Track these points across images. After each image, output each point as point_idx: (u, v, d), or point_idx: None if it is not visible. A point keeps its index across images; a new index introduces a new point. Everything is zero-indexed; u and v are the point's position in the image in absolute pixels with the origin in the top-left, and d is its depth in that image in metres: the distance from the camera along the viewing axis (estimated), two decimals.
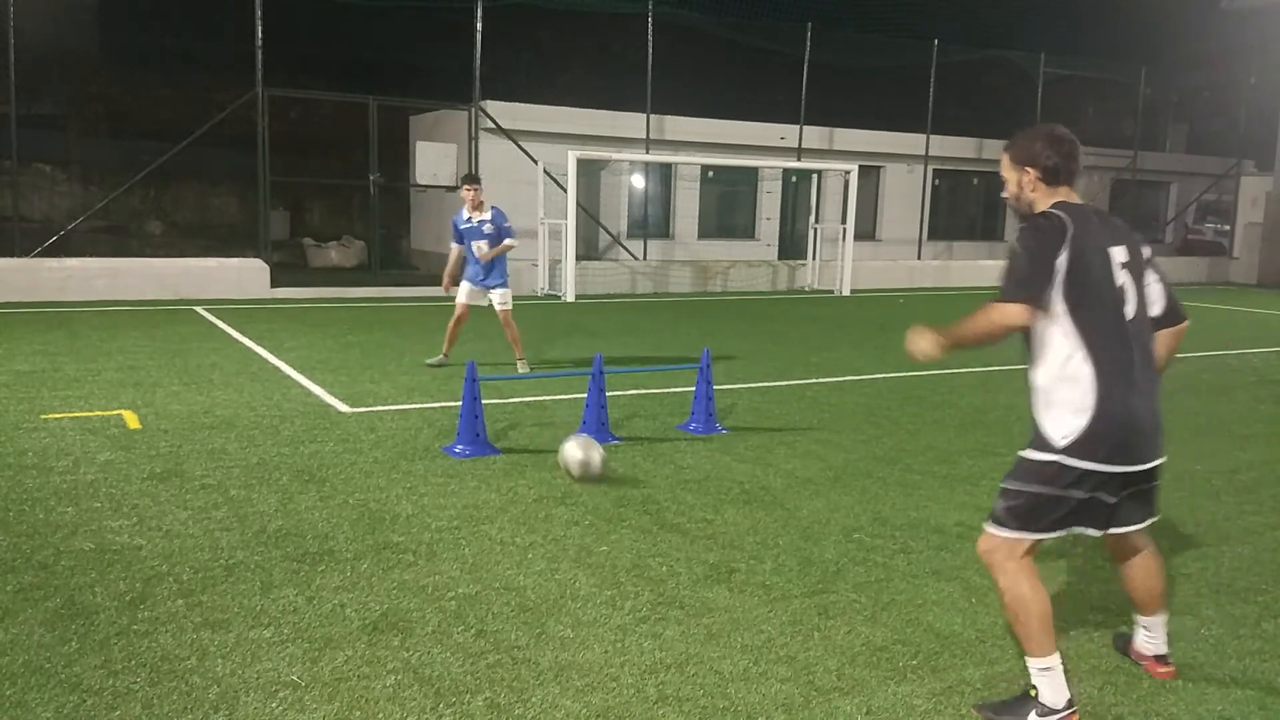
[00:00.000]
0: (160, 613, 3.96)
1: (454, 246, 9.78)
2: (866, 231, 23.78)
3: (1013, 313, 3.22)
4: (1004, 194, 3.52)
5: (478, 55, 17.76)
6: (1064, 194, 3.39)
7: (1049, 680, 3.31)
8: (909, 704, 3.42)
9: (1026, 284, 3.22)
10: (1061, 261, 3.20)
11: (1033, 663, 3.34)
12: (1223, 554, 5.01)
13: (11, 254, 14.95)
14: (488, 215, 9.66)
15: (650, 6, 19.29)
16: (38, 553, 4.57)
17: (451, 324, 9.74)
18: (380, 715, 3.25)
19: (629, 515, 5.35)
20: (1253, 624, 4.16)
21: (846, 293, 20.10)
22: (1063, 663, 3.35)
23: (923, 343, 3.42)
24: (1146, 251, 3.41)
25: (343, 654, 3.66)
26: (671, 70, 20.47)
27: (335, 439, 6.82)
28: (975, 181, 26.54)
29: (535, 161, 18.21)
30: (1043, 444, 3.29)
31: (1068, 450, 3.23)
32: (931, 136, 23.30)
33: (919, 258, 23.71)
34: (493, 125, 18.40)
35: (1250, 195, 27.58)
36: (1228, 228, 29.23)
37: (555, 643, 3.79)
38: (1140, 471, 3.31)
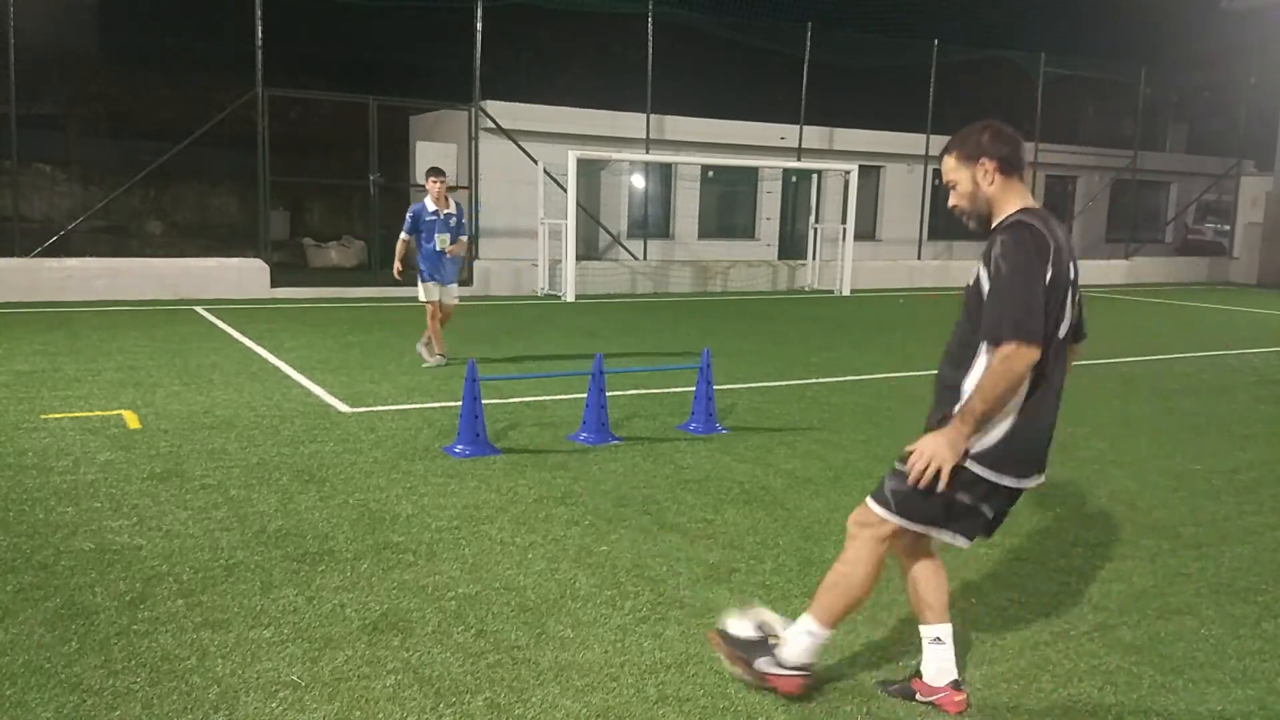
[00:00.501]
0: (160, 613, 3.96)
1: (405, 236, 9.70)
2: (866, 231, 23.79)
3: (1034, 355, 2.98)
4: (951, 203, 3.28)
5: (478, 55, 17.76)
6: (1019, 186, 3.19)
7: (803, 643, 3.34)
8: (909, 704, 3.42)
9: (1037, 319, 2.97)
10: (1045, 282, 3.01)
11: (808, 622, 3.35)
12: (1223, 554, 5.01)
13: (11, 254, 14.96)
14: (453, 209, 9.74)
15: (650, 6, 19.29)
16: (38, 553, 4.57)
17: (431, 322, 9.80)
18: (380, 715, 3.25)
19: (629, 515, 5.35)
20: (1253, 624, 4.16)
21: (846, 293, 20.10)
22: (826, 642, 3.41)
23: (942, 453, 3.05)
24: (1077, 268, 3.22)
25: (343, 654, 3.66)
26: (671, 70, 20.48)
27: (335, 439, 6.82)
28: None
29: (535, 161, 18.22)
30: None
31: (978, 458, 3.11)
32: (931, 136, 23.29)
33: (919, 258, 23.72)
34: (493, 125, 18.40)
35: (1250, 195, 27.59)
36: (1228, 228, 29.24)
37: (555, 643, 3.79)
38: (1031, 487, 3.24)
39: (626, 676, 3.55)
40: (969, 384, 3.13)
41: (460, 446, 6.51)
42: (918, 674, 3.44)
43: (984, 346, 3.11)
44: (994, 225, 3.20)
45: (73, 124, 25.24)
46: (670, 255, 21.02)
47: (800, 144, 21.66)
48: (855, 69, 23.35)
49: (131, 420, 7.18)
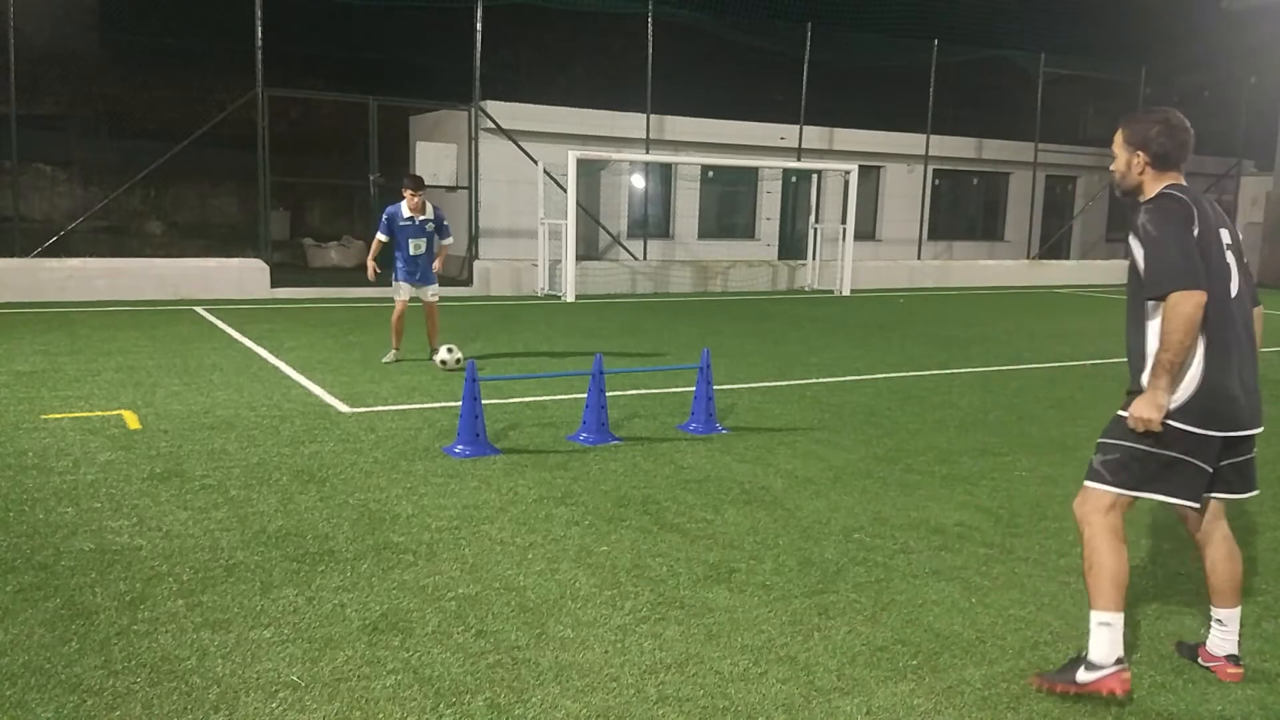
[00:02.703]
0: (160, 613, 3.96)
1: (380, 237, 9.81)
2: (866, 231, 23.79)
3: (1197, 300, 3.24)
4: (1111, 168, 3.60)
5: (478, 55, 17.76)
6: (1171, 176, 3.48)
7: (1104, 635, 3.39)
8: (909, 704, 3.42)
9: (1193, 266, 3.26)
10: (1194, 237, 3.30)
11: (1094, 615, 3.43)
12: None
13: (11, 254, 14.96)
14: (430, 214, 9.87)
15: (650, 6, 19.29)
16: (38, 553, 4.57)
17: (396, 320, 9.90)
18: (380, 715, 3.25)
19: (629, 515, 5.35)
20: (1253, 624, 4.16)
21: (846, 293, 20.09)
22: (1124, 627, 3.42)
23: (1149, 412, 3.33)
24: (1240, 236, 3.55)
25: (343, 654, 3.66)
26: (671, 70, 20.48)
27: (335, 439, 6.82)
28: (975, 181, 26.56)
29: (535, 161, 18.21)
30: None
31: (1171, 415, 3.34)
32: (931, 136, 23.30)
33: (919, 258, 23.71)
34: (493, 125, 18.40)
35: (1250, 195, 27.59)
36: None
37: (555, 643, 3.79)
38: (1238, 438, 3.43)
39: (626, 676, 3.55)
40: (1151, 346, 3.41)
41: (460, 446, 6.51)
42: (1203, 643, 3.74)
43: (1151, 308, 3.41)
44: (1140, 201, 3.50)
45: (73, 124, 25.23)
46: (670, 255, 21.02)
47: (800, 144, 21.65)
48: (855, 69, 23.35)
49: (131, 420, 7.18)
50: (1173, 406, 3.35)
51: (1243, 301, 3.47)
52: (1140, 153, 3.48)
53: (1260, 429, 3.50)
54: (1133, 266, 3.48)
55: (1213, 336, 3.36)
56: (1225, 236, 3.45)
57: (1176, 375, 3.32)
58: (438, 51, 23.13)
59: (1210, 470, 3.42)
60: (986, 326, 15.03)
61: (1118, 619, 3.41)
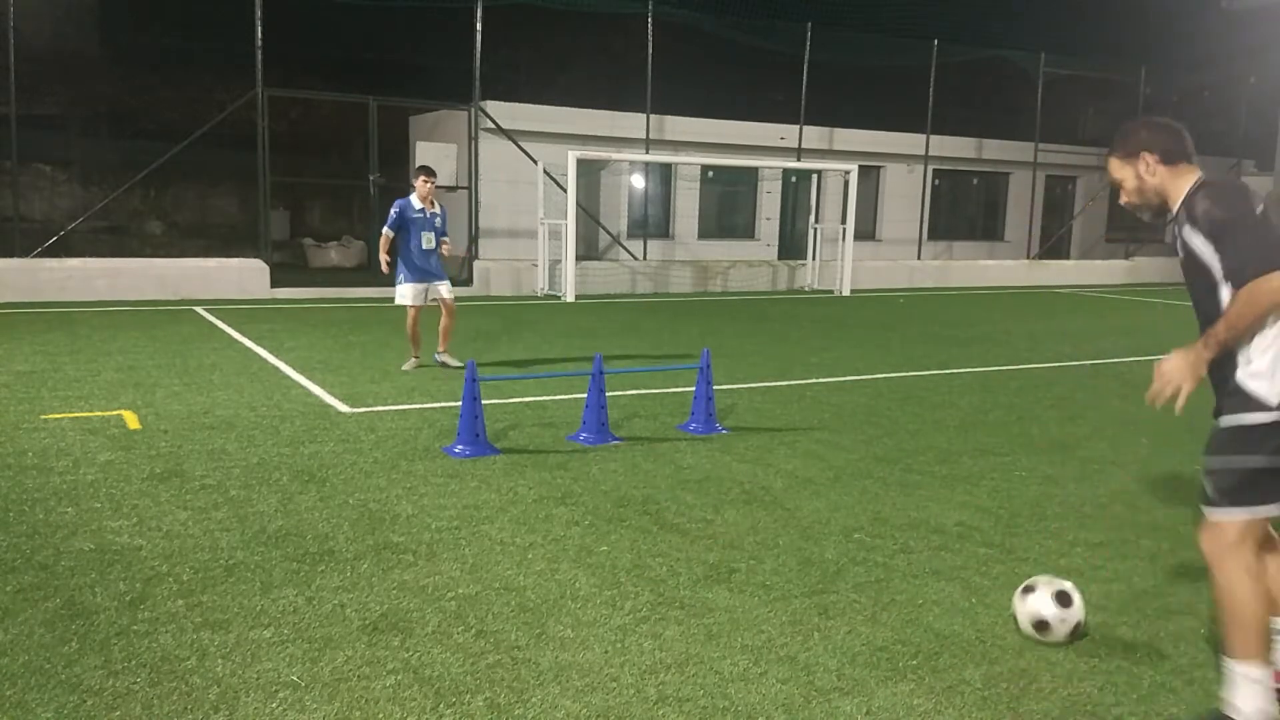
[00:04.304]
0: (160, 613, 3.96)
1: (388, 232, 9.54)
2: (866, 231, 23.79)
3: None
4: (1122, 199, 3.42)
5: (478, 55, 17.76)
6: (1187, 169, 3.26)
7: (1249, 690, 3.05)
8: (909, 704, 3.42)
9: (1275, 247, 2.98)
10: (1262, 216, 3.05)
11: (1235, 667, 3.10)
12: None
13: (11, 254, 14.96)
14: (438, 210, 9.69)
15: (650, 6, 19.29)
16: (38, 553, 4.57)
17: (412, 326, 9.62)
18: (380, 715, 3.25)
19: (629, 515, 5.35)
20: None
21: (846, 293, 20.10)
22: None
23: (1180, 372, 3.07)
24: None
25: (343, 654, 3.66)
26: (671, 70, 20.48)
27: (335, 439, 6.82)
28: (975, 181, 26.56)
29: (535, 161, 18.22)
30: (1255, 405, 3.03)
31: (1277, 408, 3.01)
32: (931, 136, 23.31)
33: (919, 258, 23.72)
34: (493, 125, 18.40)
35: None
36: None
37: (555, 643, 3.79)
38: None
39: (626, 676, 3.54)
40: (1245, 339, 3.09)
41: (460, 446, 6.51)
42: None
43: (1226, 292, 3.08)
44: (1175, 205, 3.28)
45: (73, 124, 25.24)
46: (670, 255, 21.03)
47: (800, 144, 21.66)
48: (855, 69, 23.36)
49: (131, 420, 7.18)
50: (1276, 400, 3.01)
51: None
52: (1145, 154, 3.29)
53: None
54: (1188, 262, 3.22)
55: None
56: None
57: (1245, 332, 3.03)
58: (438, 51, 23.14)
59: None
60: (986, 326, 15.03)
61: (1265, 673, 3.05)
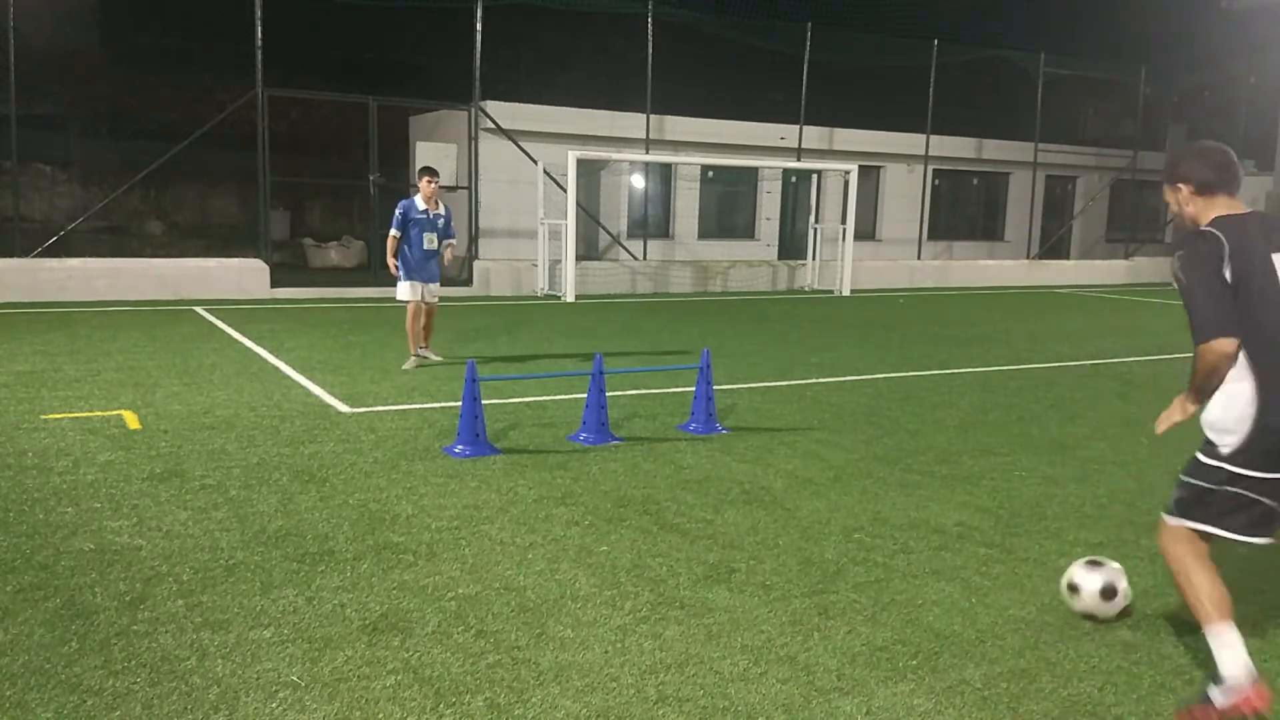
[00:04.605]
0: (160, 613, 3.96)
1: (395, 233, 9.66)
2: (866, 231, 23.79)
3: (1221, 348, 3.31)
4: (1168, 219, 3.68)
5: (478, 55, 17.76)
6: (1223, 203, 3.47)
7: (1223, 654, 3.38)
8: (909, 704, 3.42)
9: (1220, 315, 3.31)
10: (1226, 276, 3.31)
11: (1208, 633, 3.46)
12: (1222, 554, 5.00)
13: (11, 254, 14.96)
14: (442, 211, 9.84)
15: (650, 6, 19.29)
16: (38, 553, 4.57)
17: (411, 322, 9.80)
18: (380, 715, 3.25)
19: (629, 515, 5.35)
20: (1253, 624, 4.16)
21: (846, 293, 20.10)
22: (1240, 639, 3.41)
23: (1171, 410, 3.60)
24: None
25: (343, 654, 3.66)
26: (671, 70, 20.48)
27: (335, 439, 6.82)
28: (975, 181, 26.56)
29: (535, 161, 18.21)
30: (1209, 450, 3.51)
31: (1230, 459, 3.43)
32: (931, 136, 23.30)
33: (919, 258, 23.72)
34: (493, 125, 18.40)
35: (1250, 195, 27.55)
36: None
37: (555, 643, 3.79)
38: None
39: (626, 676, 3.55)
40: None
41: (460, 447, 6.51)
42: None
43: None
44: None
45: (73, 124, 25.24)
46: (670, 255, 21.02)
47: (800, 144, 21.66)
48: (855, 69, 23.35)
49: (131, 420, 7.18)
50: (1229, 450, 3.43)
51: None
52: (1181, 186, 3.52)
53: None
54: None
55: (1265, 376, 3.35)
56: None
57: (1222, 414, 3.45)
58: (438, 51, 23.14)
59: (1275, 506, 3.45)
60: (986, 326, 15.03)
61: (1225, 629, 3.40)
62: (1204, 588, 3.47)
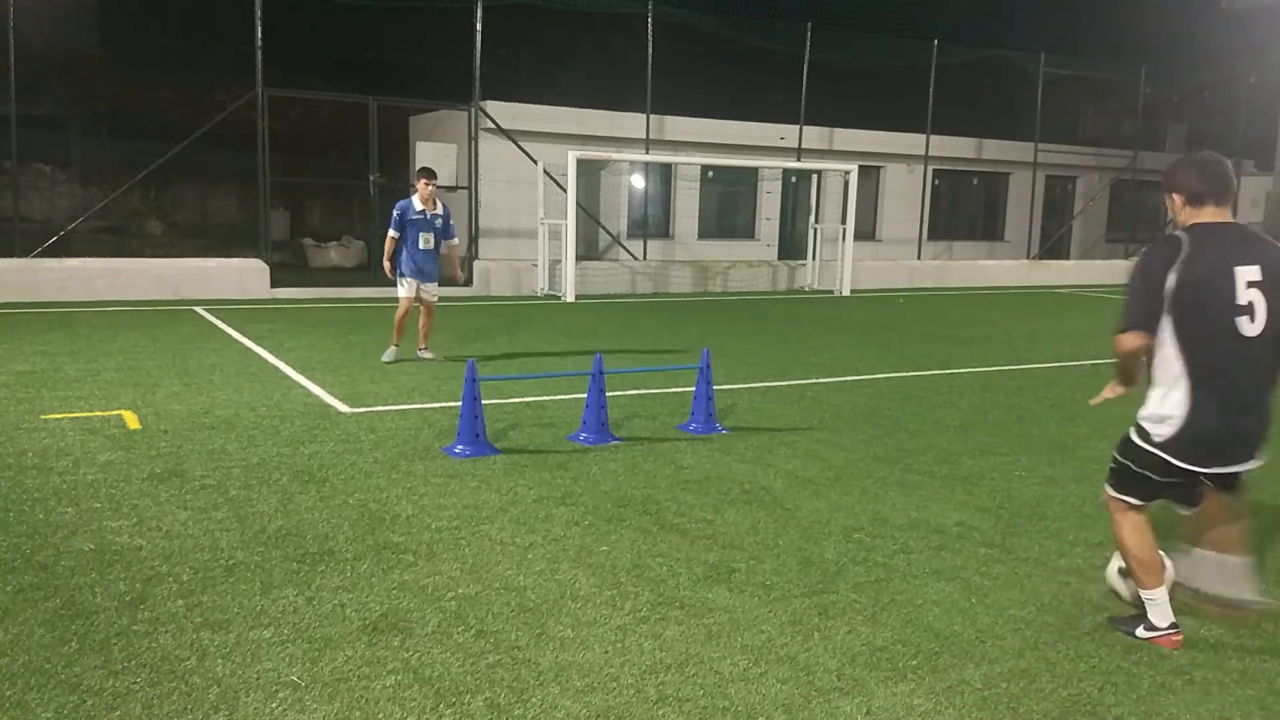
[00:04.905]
0: (160, 613, 3.96)
1: (393, 234, 9.77)
2: (866, 231, 23.78)
3: (1127, 341, 3.71)
4: (1168, 219, 3.92)
5: (478, 55, 17.76)
6: (1209, 213, 3.72)
7: (1153, 608, 3.90)
8: (909, 704, 3.42)
9: (1138, 312, 3.68)
10: (1170, 282, 3.60)
11: (1142, 593, 3.94)
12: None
13: (11, 254, 14.96)
14: (440, 210, 9.95)
15: (650, 6, 19.29)
16: (38, 553, 4.57)
17: (401, 317, 9.92)
18: (380, 715, 3.25)
19: (629, 515, 5.35)
20: (1253, 624, 4.16)
21: (846, 293, 20.10)
22: (1168, 596, 3.93)
23: (1106, 394, 4.03)
24: None
25: (343, 654, 3.66)
26: (671, 70, 20.48)
27: (335, 439, 6.82)
28: (975, 181, 26.55)
29: (535, 161, 18.21)
30: (1143, 434, 3.81)
31: (1161, 447, 3.75)
32: (931, 136, 23.29)
33: (919, 258, 23.71)
34: (493, 125, 18.40)
35: (1250, 195, 27.56)
36: None
37: (555, 643, 3.79)
38: (1227, 473, 3.79)
39: (626, 676, 3.55)
40: (1153, 377, 3.80)
41: (460, 447, 6.51)
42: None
43: (1157, 345, 3.75)
44: None
45: (73, 124, 25.24)
46: (670, 255, 21.02)
47: (800, 144, 21.65)
48: (855, 69, 23.35)
49: (131, 420, 7.18)
50: (1160, 439, 3.75)
51: (1264, 342, 3.62)
52: (1174, 195, 3.78)
53: (1253, 464, 3.80)
54: None
55: (1200, 377, 3.64)
56: (1252, 273, 3.59)
57: (1156, 407, 3.77)
58: (438, 51, 23.14)
59: (1200, 490, 3.87)
60: (986, 326, 15.03)
61: (1159, 593, 3.89)
62: (1144, 556, 3.89)
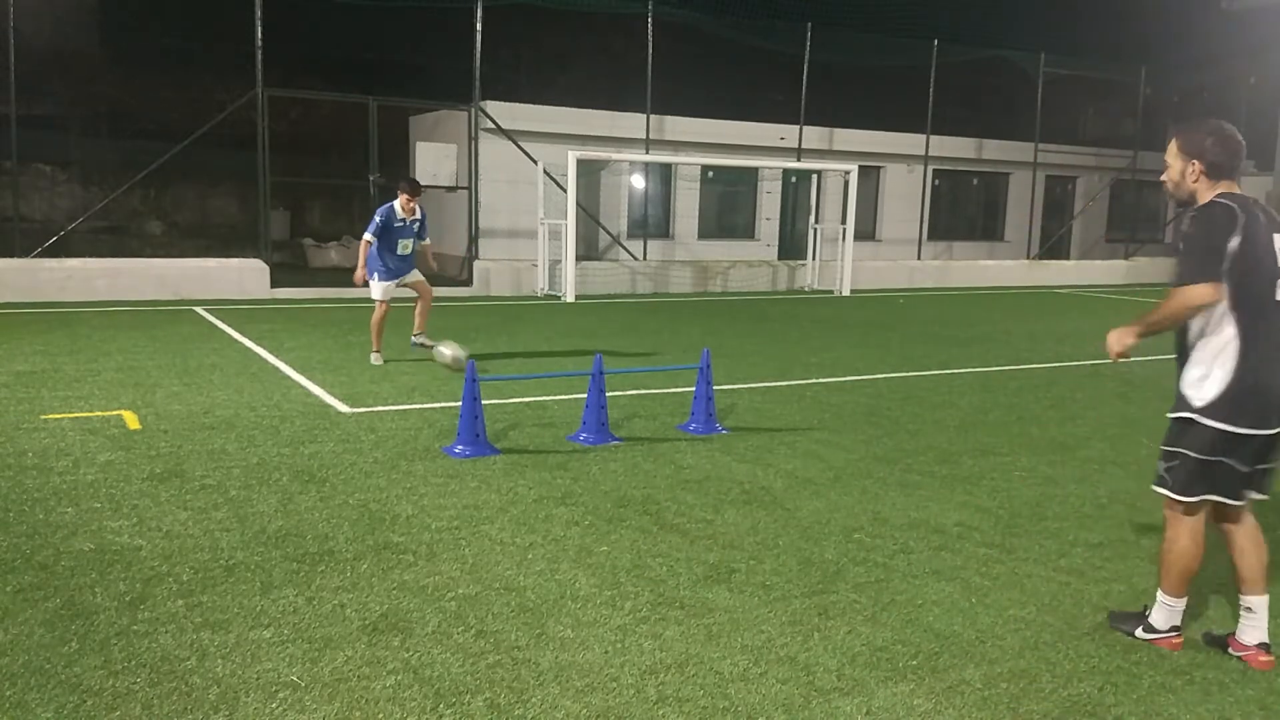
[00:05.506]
0: (160, 613, 3.96)
1: (370, 238, 9.74)
2: (866, 231, 23.78)
3: (1200, 293, 3.53)
4: (1163, 178, 3.81)
5: (478, 55, 17.76)
6: (1225, 186, 3.68)
7: (1164, 611, 3.91)
8: (909, 704, 3.42)
9: (1209, 265, 3.53)
10: (1234, 245, 3.53)
11: (1160, 595, 3.91)
12: (1222, 555, 4.99)
13: (11, 254, 14.96)
14: (418, 215, 10.07)
15: (650, 6, 19.29)
16: (38, 553, 4.57)
17: (378, 319, 9.92)
18: (380, 715, 3.25)
19: (629, 515, 5.35)
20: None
21: (846, 293, 20.09)
22: (1184, 610, 3.93)
23: (1114, 337, 3.76)
24: None
25: (343, 654, 3.66)
26: (671, 70, 20.48)
27: (335, 439, 6.82)
28: (975, 181, 26.55)
29: (535, 161, 18.21)
30: (1182, 404, 3.70)
31: (1203, 411, 3.63)
32: (931, 136, 23.29)
33: (919, 258, 23.71)
34: (493, 125, 18.40)
35: (1250, 196, 27.58)
36: None
37: (555, 643, 3.79)
38: (1269, 436, 3.64)
39: (626, 677, 3.55)
40: (1192, 345, 3.69)
41: (460, 447, 6.51)
42: (1233, 633, 3.89)
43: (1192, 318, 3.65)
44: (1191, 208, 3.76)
45: (73, 124, 25.25)
46: (670, 255, 21.02)
47: (800, 144, 21.65)
48: (855, 69, 23.35)
49: (131, 420, 7.18)
50: (1201, 404, 3.63)
51: None
52: (1195, 162, 3.68)
53: None
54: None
55: (1249, 335, 3.57)
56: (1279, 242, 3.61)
57: (1164, 328, 3.68)
58: (438, 51, 23.15)
59: (1247, 471, 3.68)
60: (986, 326, 15.03)
61: (1178, 603, 3.89)
62: (1185, 566, 3.83)
